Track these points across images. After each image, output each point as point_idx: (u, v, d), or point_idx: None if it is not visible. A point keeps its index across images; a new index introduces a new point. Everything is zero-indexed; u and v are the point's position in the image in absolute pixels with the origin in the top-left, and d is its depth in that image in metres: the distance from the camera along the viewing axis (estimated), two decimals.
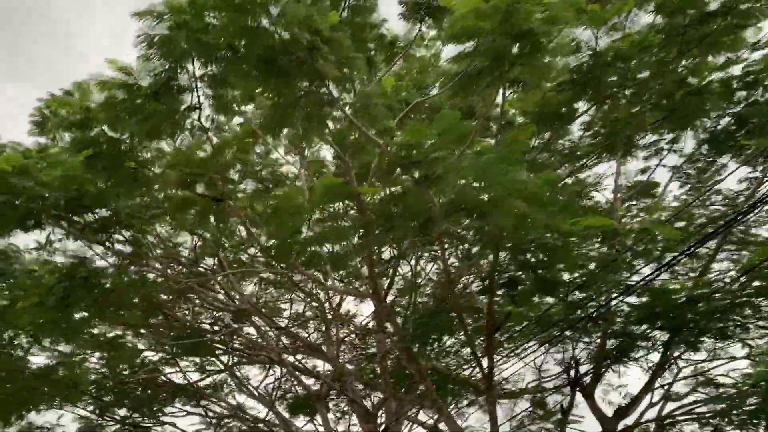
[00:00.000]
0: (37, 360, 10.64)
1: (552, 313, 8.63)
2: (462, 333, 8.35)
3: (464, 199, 5.41)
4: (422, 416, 12.87)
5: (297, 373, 11.75)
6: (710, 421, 10.37)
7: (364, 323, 13.49)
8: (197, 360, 11.90)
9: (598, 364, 9.34)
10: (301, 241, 7.75)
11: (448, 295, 7.90)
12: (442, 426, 12.23)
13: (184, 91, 5.56)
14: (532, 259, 6.68)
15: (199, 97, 5.66)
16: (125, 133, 5.82)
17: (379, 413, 12.11)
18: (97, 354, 10.97)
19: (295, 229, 7.40)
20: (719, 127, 9.25)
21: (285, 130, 9.52)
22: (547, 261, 6.58)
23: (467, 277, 8.85)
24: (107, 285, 6.55)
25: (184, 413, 11.88)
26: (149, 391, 11.28)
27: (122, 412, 11.70)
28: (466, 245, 7.52)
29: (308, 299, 12.38)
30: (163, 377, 11.49)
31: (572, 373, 9.33)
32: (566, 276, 7.50)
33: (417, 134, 5.52)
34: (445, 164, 5.30)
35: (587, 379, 9.43)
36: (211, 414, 12.36)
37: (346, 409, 14.13)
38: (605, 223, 6.12)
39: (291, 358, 12.28)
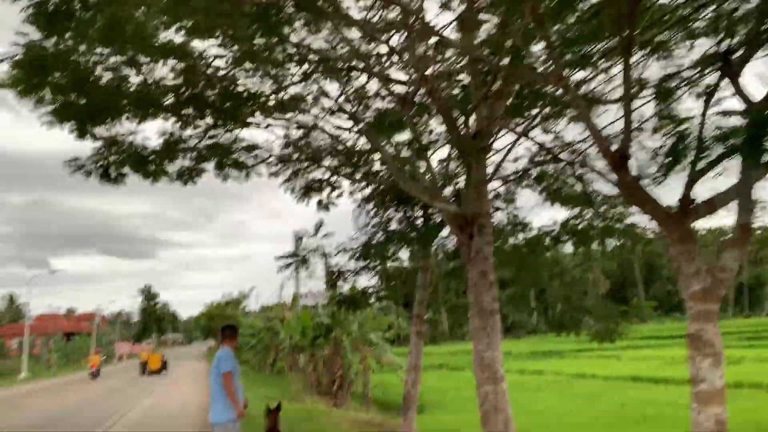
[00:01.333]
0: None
1: None
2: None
3: None
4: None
5: (381, 77, 10.72)
6: None
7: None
8: (273, 72, 10.96)
9: (751, 37, 7.65)
10: None
11: None
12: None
13: None
14: None
15: None
16: None
17: (470, 120, 11.30)
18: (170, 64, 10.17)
19: None
20: None
21: None
22: None
23: None
24: None
25: (266, 125, 11.42)
26: (229, 102, 10.64)
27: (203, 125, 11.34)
28: None
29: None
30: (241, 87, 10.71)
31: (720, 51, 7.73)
32: None
33: None
34: None
35: (735, 58, 7.85)
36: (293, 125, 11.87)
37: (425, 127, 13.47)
38: None
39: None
